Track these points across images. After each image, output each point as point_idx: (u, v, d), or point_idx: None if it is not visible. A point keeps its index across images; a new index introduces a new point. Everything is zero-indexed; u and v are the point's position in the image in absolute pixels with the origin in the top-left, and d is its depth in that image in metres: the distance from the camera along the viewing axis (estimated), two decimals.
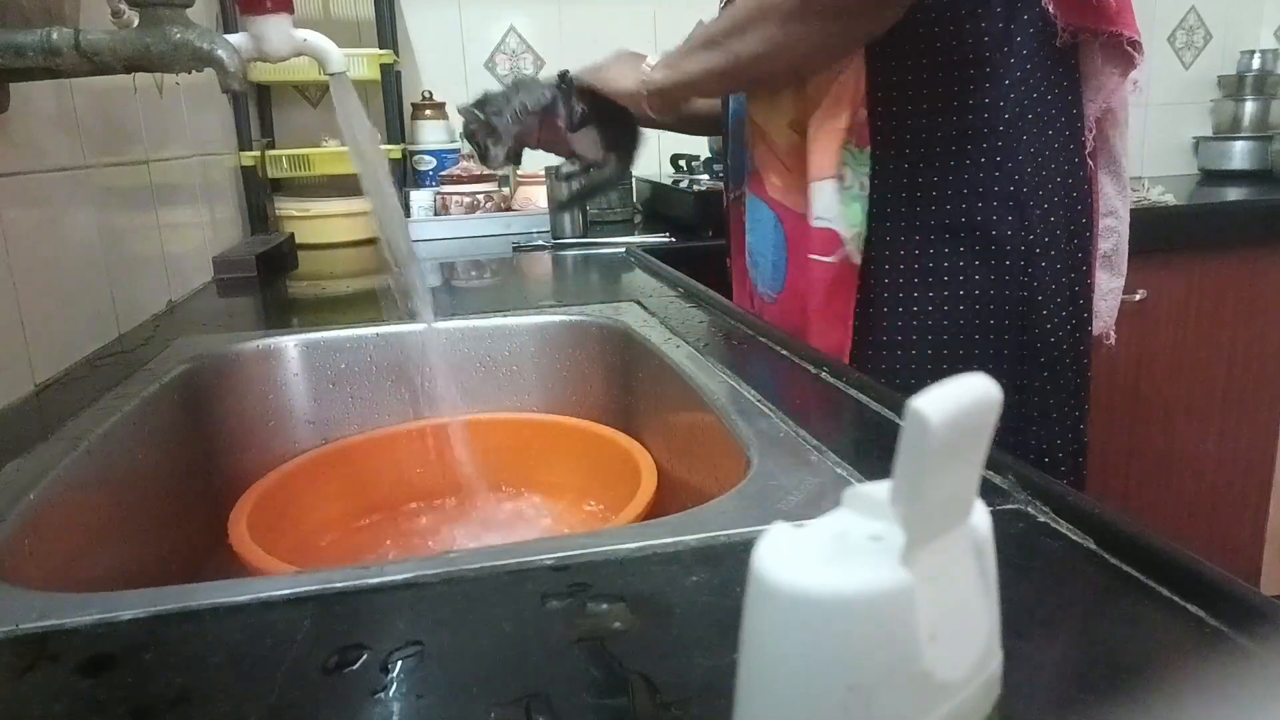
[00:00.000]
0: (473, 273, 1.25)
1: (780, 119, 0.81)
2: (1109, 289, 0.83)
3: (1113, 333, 0.85)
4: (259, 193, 1.56)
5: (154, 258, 1.02)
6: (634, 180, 1.75)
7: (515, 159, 1.01)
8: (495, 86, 1.91)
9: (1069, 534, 0.38)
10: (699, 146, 1.75)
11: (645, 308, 0.90)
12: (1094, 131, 0.79)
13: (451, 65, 1.86)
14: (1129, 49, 0.75)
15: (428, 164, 1.72)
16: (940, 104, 0.74)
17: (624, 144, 1.00)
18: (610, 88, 0.91)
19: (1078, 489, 0.76)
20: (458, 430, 0.79)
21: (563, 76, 0.97)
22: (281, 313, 1.07)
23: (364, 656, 0.31)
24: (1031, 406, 0.76)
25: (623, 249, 1.38)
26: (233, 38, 0.65)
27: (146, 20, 0.62)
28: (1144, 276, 1.59)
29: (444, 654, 0.31)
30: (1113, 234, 0.83)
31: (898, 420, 0.53)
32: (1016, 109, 0.74)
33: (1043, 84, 0.75)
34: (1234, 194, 1.84)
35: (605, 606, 0.34)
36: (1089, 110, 0.78)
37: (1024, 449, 0.76)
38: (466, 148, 1.70)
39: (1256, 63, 2.11)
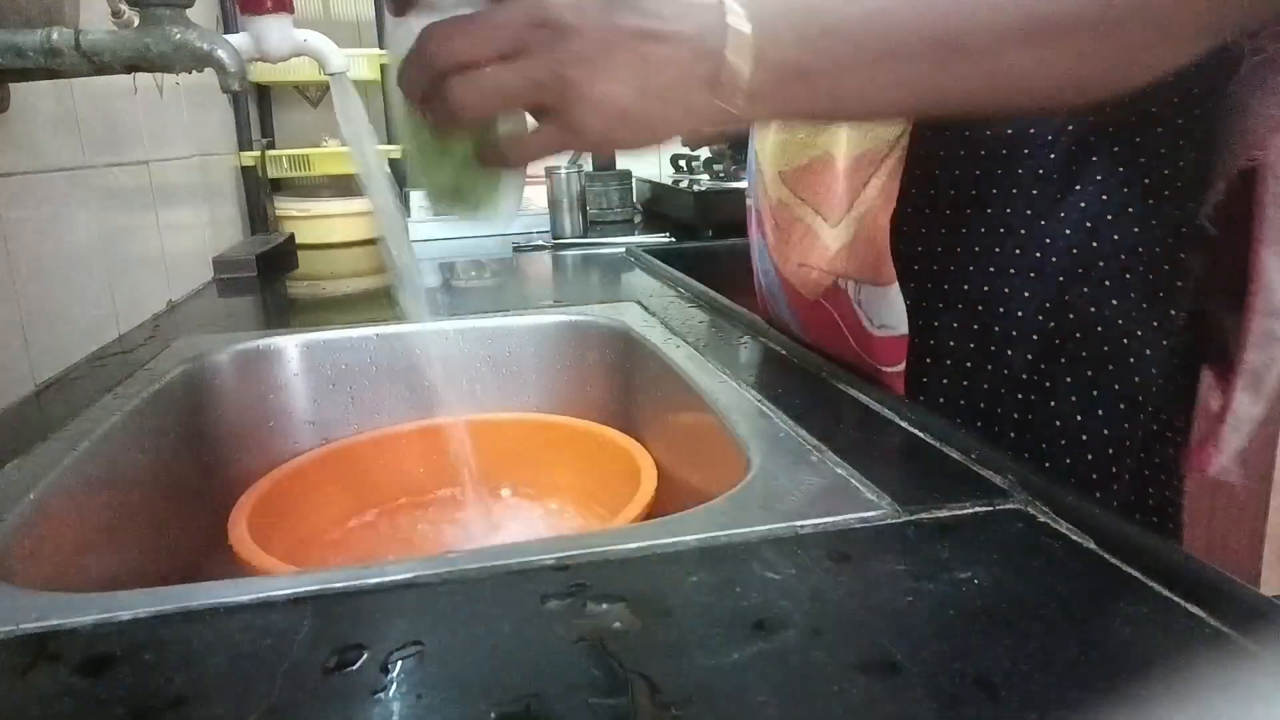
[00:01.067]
0: (472, 273, 1.25)
1: (773, 163, 0.63)
2: (1247, 416, 0.61)
3: (1238, 472, 0.63)
4: (259, 193, 1.56)
5: (154, 258, 1.02)
6: (634, 180, 1.75)
7: None
8: None
9: (1069, 534, 0.38)
10: None
11: (645, 308, 0.90)
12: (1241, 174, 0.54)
13: None
14: None
15: None
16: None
17: None
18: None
19: None
20: (458, 430, 0.79)
21: None
22: (281, 313, 1.07)
23: (364, 656, 0.31)
24: None
25: (623, 249, 1.38)
26: (233, 38, 0.65)
27: (146, 20, 0.62)
28: None
29: (444, 654, 0.31)
30: (1272, 343, 0.57)
31: (899, 421, 0.54)
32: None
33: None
34: None
35: (605, 606, 0.34)
36: (1251, 132, 0.52)
37: None
38: None
39: None
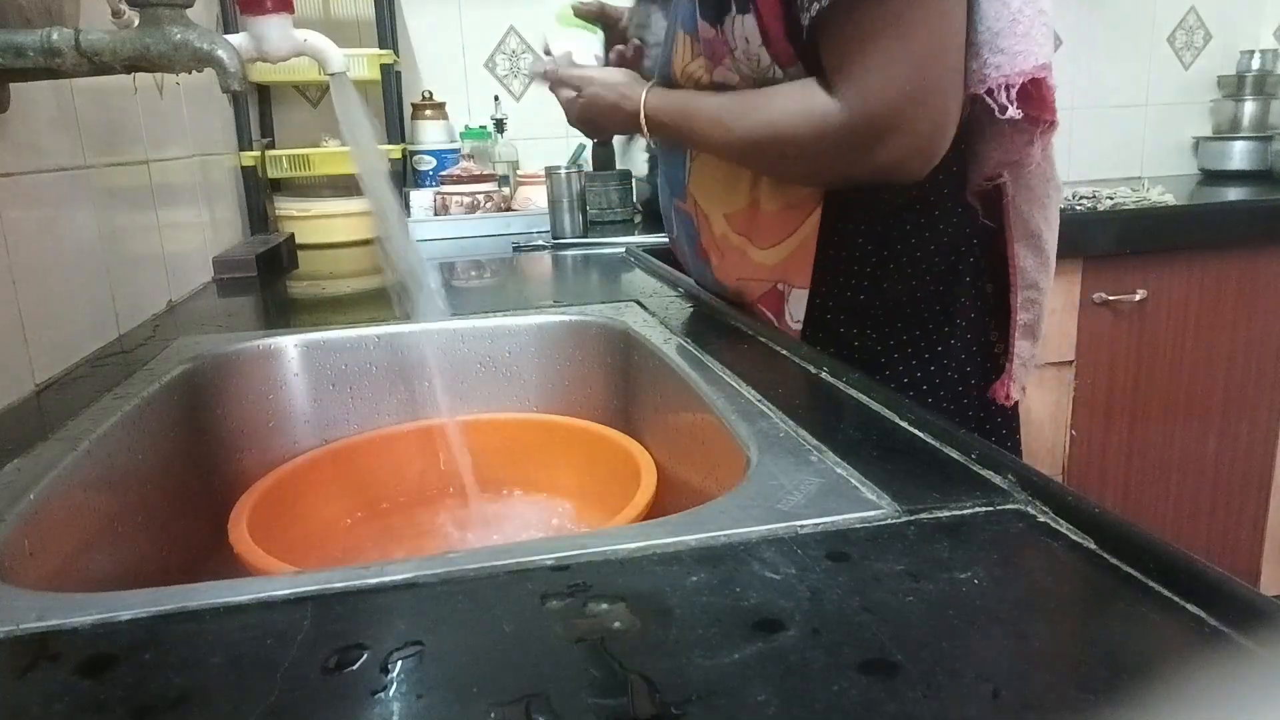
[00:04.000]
0: (473, 273, 1.25)
1: (716, 206, 0.83)
2: (1029, 355, 0.84)
3: (1023, 390, 0.87)
4: (259, 193, 1.56)
5: (154, 258, 1.02)
6: (634, 180, 1.75)
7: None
8: (495, 86, 1.91)
9: (1069, 534, 0.38)
10: None
11: (645, 308, 0.90)
12: (994, 188, 0.78)
13: (451, 65, 1.86)
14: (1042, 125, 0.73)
15: (428, 164, 1.72)
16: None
17: None
18: (604, 81, 0.88)
19: None
20: (457, 430, 0.80)
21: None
22: (281, 313, 1.07)
23: (364, 656, 0.31)
24: None
25: (623, 249, 1.38)
26: (233, 38, 0.65)
27: (146, 20, 0.62)
28: (1144, 276, 1.60)
29: (444, 654, 0.31)
30: (1034, 305, 0.83)
31: (898, 420, 0.54)
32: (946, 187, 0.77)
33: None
34: (1234, 194, 1.84)
35: (605, 606, 0.34)
36: (985, 164, 0.77)
37: None
38: (466, 147, 1.70)
39: (1256, 63, 2.11)
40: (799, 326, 0.80)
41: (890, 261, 0.77)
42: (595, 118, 0.88)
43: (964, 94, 0.69)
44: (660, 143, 0.90)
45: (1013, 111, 0.68)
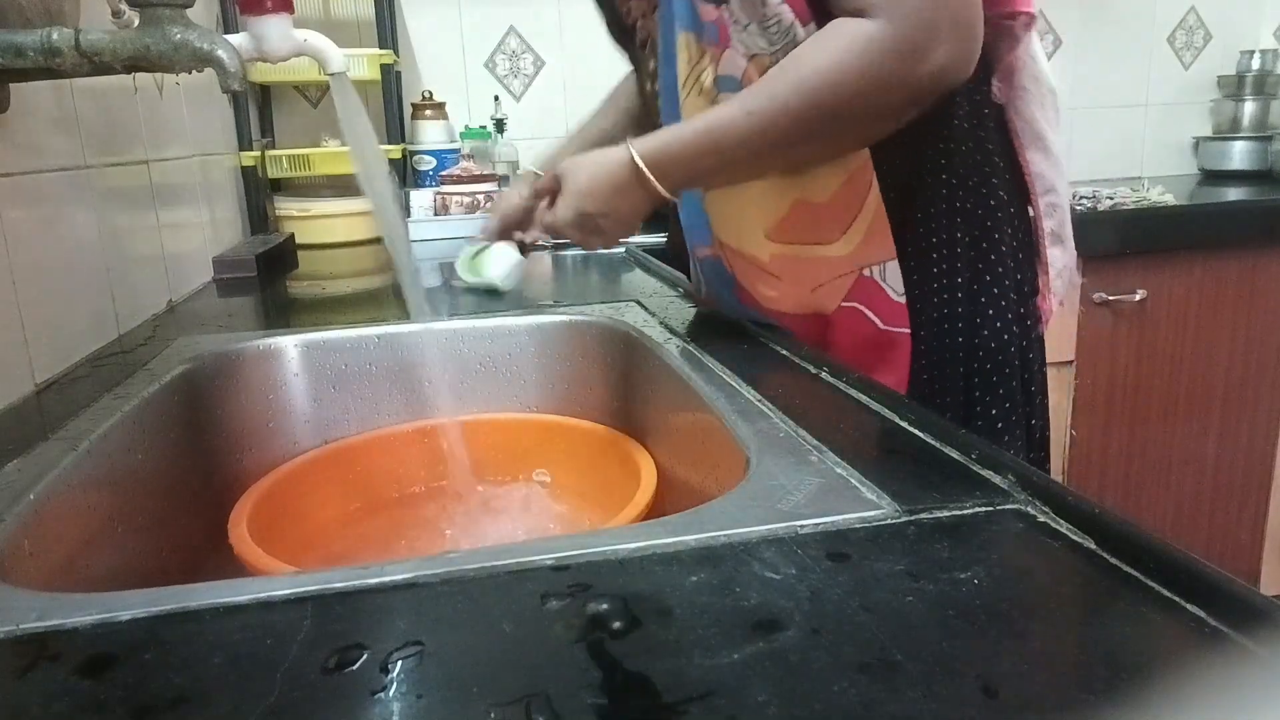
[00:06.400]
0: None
1: (753, 233, 0.77)
2: (1063, 265, 0.81)
3: (1060, 304, 0.84)
4: (259, 193, 1.56)
5: (154, 258, 1.02)
6: None
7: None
8: (495, 86, 1.91)
9: (1069, 534, 0.38)
10: None
11: (645, 308, 0.90)
12: (1000, 94, 0.76)
13: (451, 65, 1.86)
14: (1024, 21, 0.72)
15: (428, 164, 1.72)
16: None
17: None
18: (586, 173, 0.73)
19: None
20: (457, 430, 0.79)
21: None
22: (281, 313, 1.07)
23: (364, 656, 0.31)
24: (978, 416, 0.75)
25: (623, 249, 1.38)
26: (233, 38, 0.65)
27: (146, 20, 0.62)
28: (1144, 276, 1.60)
29: (444, 654, 0.31)
30: (1056, 210, 0.81)
31: (899, 421, 0.54)
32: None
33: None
34: (1234, 194, 1.84)
35: (605, 606, 0.34)
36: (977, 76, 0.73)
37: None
38: (466, 147, 1.70)
39: (1256, 63, 2.11)
40: (903, 299, 0.74)
41: (954, 192, 0.74)
42: (598, 216, 0.73)
43: None
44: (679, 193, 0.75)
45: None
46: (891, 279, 0.74)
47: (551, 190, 0.75)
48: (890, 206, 0.72)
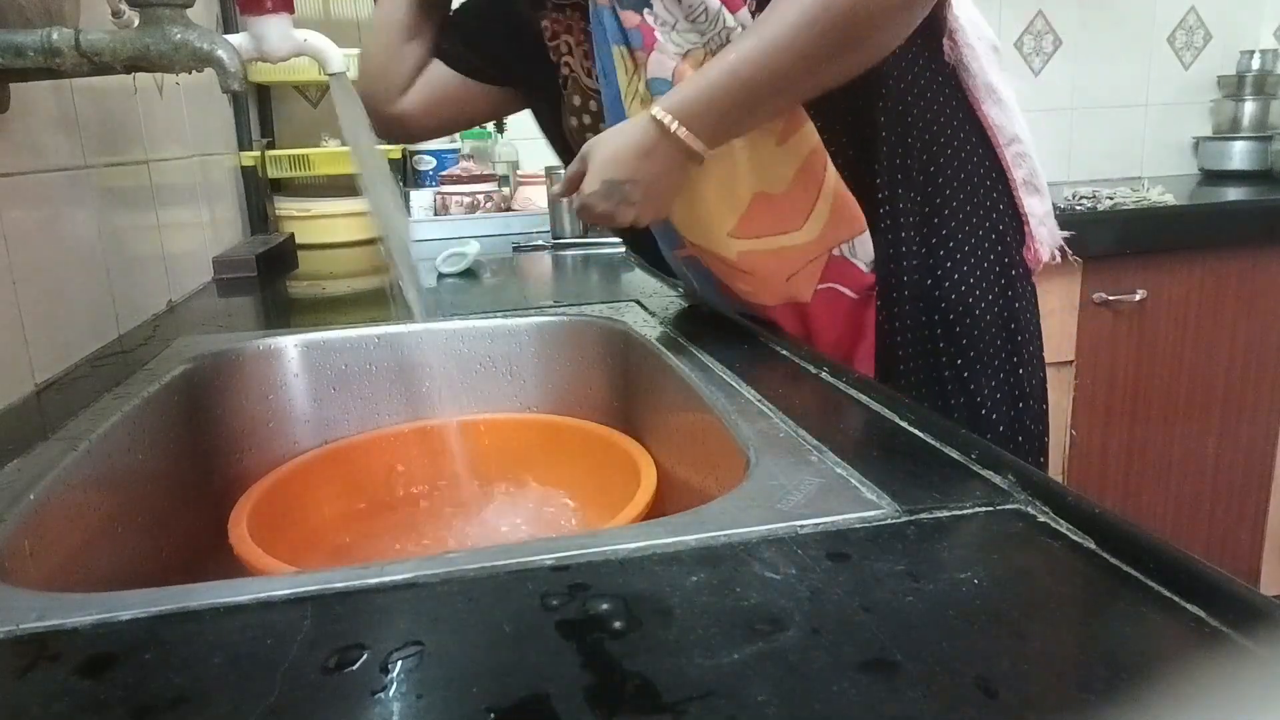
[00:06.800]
0: (473, 271, 1.25)
1: (718, 233, 0.75)
2: (1043, 212, 0.82)
3: (1067, 250, 0.84)
4: (259, 193, 1.56)
5: (154, 258, 1.02)
6: None
7: None
8: None
9: (1069, 534, 0.38)
10: None
11: (645, 308, 0.90)
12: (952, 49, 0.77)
13: None
14: None
15: (428, 164, 1.72)
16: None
17: None
18: (615, 143, 0.70)
19: (1026, 440, 0.79)
20: (457, 430, 0.79)
21: None
22: (281, 313, 1.07)
23: (364, 656, 0.31)
24: (945, 366, 0.76)
25: (623, 249, 1.38)
26: (233, 38, 0.65)
27: (146, 20, 0.62)
28: (1144, 276, 1.60)
29: (444, 654, 0.31)
30: (1024, 160, 0.81)
31: (899, 421, 0.54)
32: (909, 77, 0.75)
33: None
34: (1234, 194, 1.84)
35: (605, 606, 0.34)
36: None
37: (952, 409, 0.76)
38: (466, 147, 1.70)
39: (1256, 63, 2.11)
40: (870, 268, 0.76)
41: (906, 155, 0.74)
42: (625, 184, 0.69)
43: None
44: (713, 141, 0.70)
45: None
46: (862, 252, 0.75)
47: (580, 174, 0.71)
48: (851, 183, 0.73)
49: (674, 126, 0.66)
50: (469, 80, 0.91)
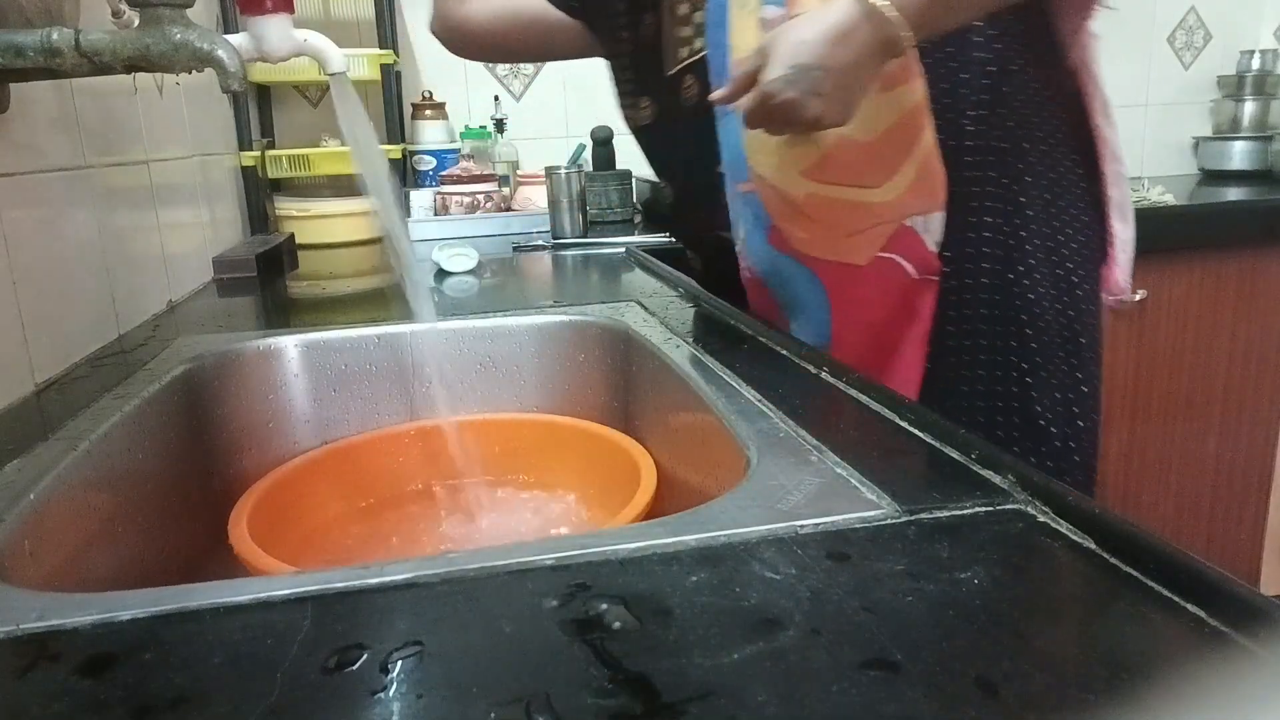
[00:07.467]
0: (473, 273, 1.25)
1: (790, 168, 0.72)
2: (1126, 239, 0.78)
3: (1131, 290, 0.81)
4: (259, 193, 1.56)
5: (154, 258, 1.02)
6: (634, 180, 1.75)
7: None
8: (495, 86, 1.90)
9: (1069, 534, 0.38)
10: None
11: (645, 308, 0.90)
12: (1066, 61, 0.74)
13: (451, 65, 1.85)
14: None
15: (428, 164, 1.72)
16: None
17: None
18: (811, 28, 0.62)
19: (1079, 454, 0.76)
20: (457, 430, 0.79)
21: None
22: (281, 313, 1.07)
23: (364, 656, 0.31)
24: (1011, 368, 0.74)
25: (623, 249, 1.38)
26: (233, 38, 0.65)
27: (146, 20, 0.62)
28: (1144, 276, 1.60)
29: (444, 654, 0.31)
30: (1120, 180, 0.78)
31: (899, 421, 0.54)
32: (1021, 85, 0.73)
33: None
34: (1234, 194, 1.84)
35: (605, 606, 0.34)
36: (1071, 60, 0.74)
37: (1010, 413, 0.74)
38: (466, 147, 1.70)
39: (1256, 63, 2.11)
40: (938, 250, 0.71)
41: (1013, 148, 0.72)
42: (814, 69, 0.61)
43: None
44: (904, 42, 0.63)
45: None
46: (934, 229, 0.71)
47: (753, 72, 0.64)
48: (944, 153, 0.69)
49: (881, 3, 0.59)
50: (547, 7, 0.90)
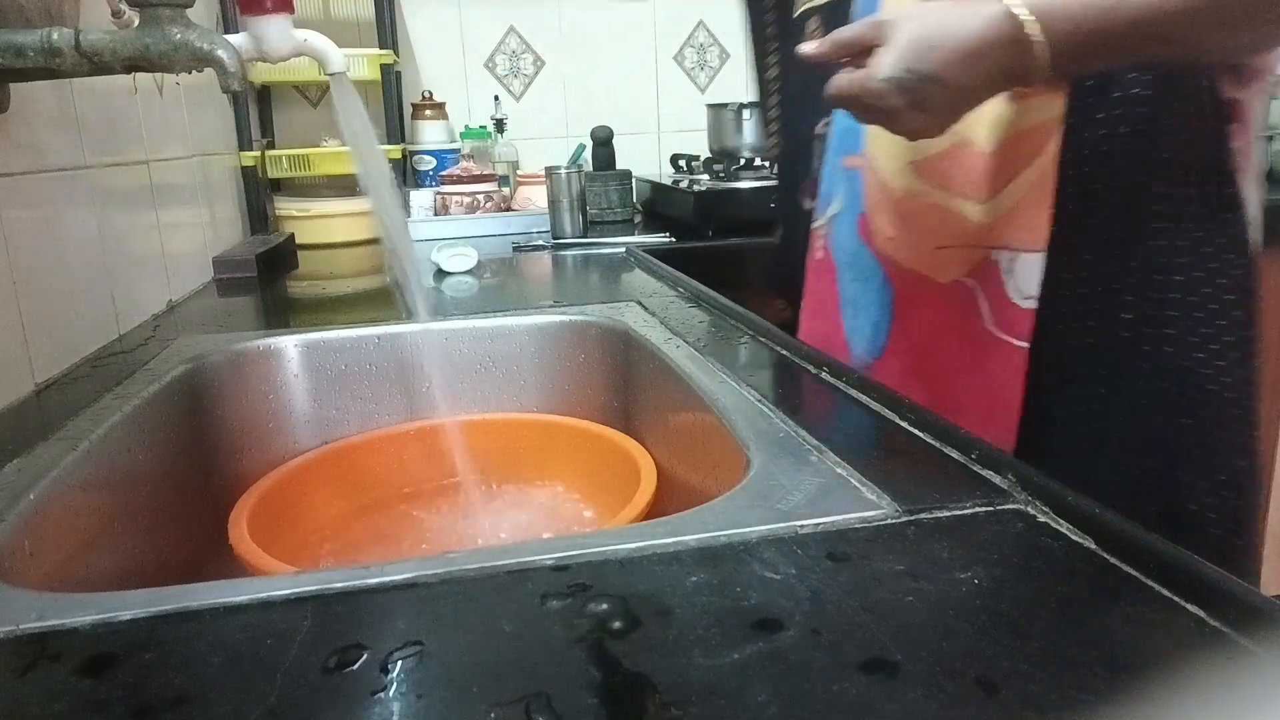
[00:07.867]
0: (473, 273, 1.25)
1: (900, 156, 0.65)
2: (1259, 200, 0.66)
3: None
4: (259, 193, 1.56)
5: (154, 258, 1.02)
6: (634, 180, 1.75)
7: None
8: (495, 86, 1.90)
9: (1069, 534, 0.38)
10: (699, 146, 1.74)
11: (645, 308, 0.90)
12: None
13: (451, 65, 1.86)
14: None
15: (428, 164, 1.72)
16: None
17: None
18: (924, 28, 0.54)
19: (1236, 545, 0.68)
20: (457, 430, 0.80)
21: None
22: (281, 313, 1.07)
23: (364, 656, 0.31)
24: (1171, 444, 0.62)
25: (623, 249, 1.38)
26: (233, 38, 0.65)
27: (146, 20, 0.62)
28: None
29: (444, 654, 0.31)
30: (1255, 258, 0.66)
31: (899, 421, 0.54)
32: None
33: None
34: None
35: (605, 606, 0.34)
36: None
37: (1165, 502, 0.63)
38: (466, 147, 1.70)
39: None
40: (1031, 304, 0.61)
41: (1151, 197, 0.60)
42: (930, 81, 0.53)
43: None
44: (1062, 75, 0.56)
45: None
46: (1021, 275, 0.61)
47: (863, 44, 0.56)
48: (1064, 184, 0.59)
49: (1028, 20, 0.51)
50: None
